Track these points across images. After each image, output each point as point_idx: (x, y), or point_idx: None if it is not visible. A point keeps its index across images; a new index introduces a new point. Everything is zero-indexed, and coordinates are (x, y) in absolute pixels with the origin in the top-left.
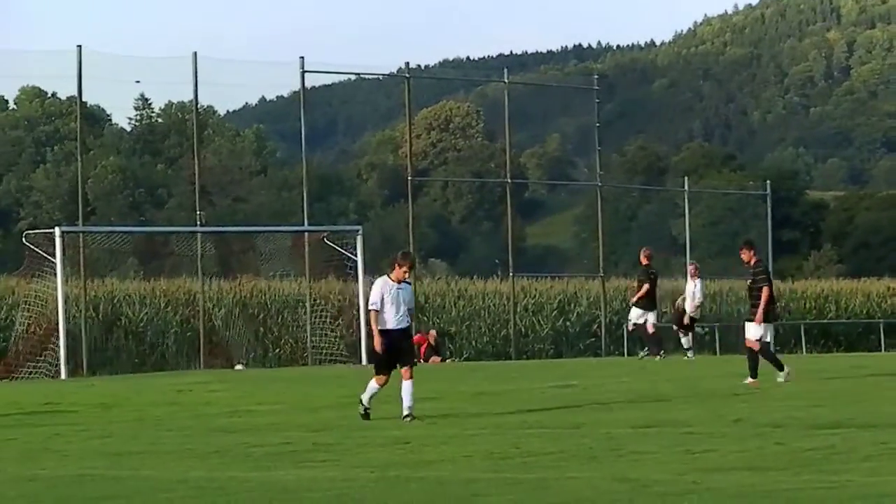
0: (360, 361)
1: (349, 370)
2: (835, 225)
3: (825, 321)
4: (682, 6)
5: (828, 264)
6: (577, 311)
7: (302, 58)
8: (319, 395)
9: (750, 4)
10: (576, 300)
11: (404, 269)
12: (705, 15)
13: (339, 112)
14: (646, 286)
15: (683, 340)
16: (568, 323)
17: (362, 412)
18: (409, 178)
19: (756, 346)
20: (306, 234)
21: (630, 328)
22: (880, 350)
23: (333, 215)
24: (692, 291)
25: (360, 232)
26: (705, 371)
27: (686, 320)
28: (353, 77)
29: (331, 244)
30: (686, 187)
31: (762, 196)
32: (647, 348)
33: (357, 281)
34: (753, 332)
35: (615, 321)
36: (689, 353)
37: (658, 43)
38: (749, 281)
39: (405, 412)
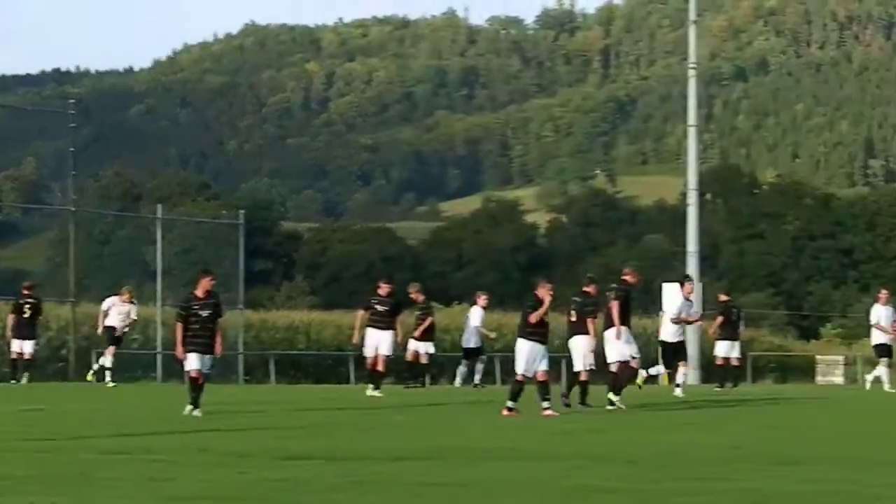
0: None
1: None
2: (308, 256)
3: (295, 352)
4: (162, 33)
5: (300, 295)
6: (48, 335)
7: None
8: None
9: (230, 33)
10: (45, 325)
11: None
12: (185, 43)
13: None
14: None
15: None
16: (38, 347)
17: None
18: None
19: None
20: None
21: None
22: (349, 382)
23: None
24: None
25: None
26: (171, 400)
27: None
28: None
29: None
30: (159, 214)
31: (235, 225)
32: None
33: None
34: None
35: (84, 346)
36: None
37: (137, 69)
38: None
39: None
